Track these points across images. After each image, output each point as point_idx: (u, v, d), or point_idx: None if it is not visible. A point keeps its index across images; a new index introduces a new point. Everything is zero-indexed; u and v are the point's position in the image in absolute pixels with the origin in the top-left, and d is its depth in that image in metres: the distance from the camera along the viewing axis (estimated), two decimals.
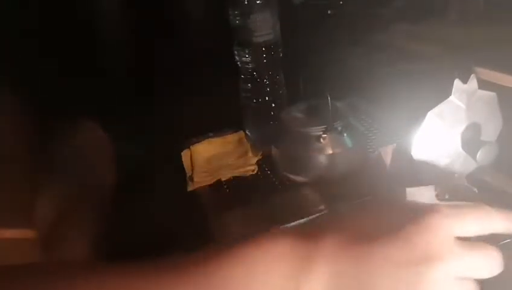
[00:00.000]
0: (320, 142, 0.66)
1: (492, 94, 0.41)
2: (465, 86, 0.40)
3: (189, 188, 0.72)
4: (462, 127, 0.41)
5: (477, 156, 0.39)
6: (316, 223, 0.33)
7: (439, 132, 0.39)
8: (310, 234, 0.31)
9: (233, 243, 0.32)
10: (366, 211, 0.34)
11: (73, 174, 0.65)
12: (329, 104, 0.64)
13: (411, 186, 0.39)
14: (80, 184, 0.65)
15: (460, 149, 0.41)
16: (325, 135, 0.65)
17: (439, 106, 0.39)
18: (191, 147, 0.81)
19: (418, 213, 0.30)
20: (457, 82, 0.39)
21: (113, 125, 0.73)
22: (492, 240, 0.47)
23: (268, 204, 0.65)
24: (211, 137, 0.85)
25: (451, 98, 0.39)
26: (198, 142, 0.82)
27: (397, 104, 0.82)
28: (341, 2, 0.92)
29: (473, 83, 0.40)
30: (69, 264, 0.33)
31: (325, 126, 0.66)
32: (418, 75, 0.75)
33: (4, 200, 0.53)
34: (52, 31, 1.08)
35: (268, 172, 0.74)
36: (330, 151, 0.66)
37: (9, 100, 0.59)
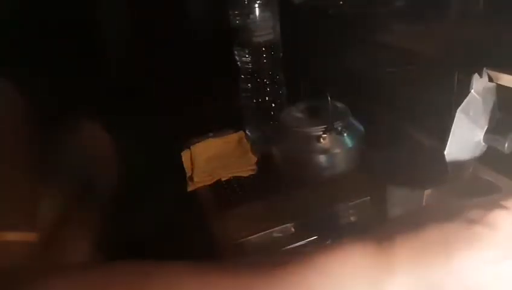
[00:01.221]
0: (320, 142, 0.66)
1: (493, 85, 0.42)
2: (482, 79, 0.40)
3: (189, 188, 0.72)
4: (482, 120, 0.41)
5: (506, 146, 0.40)
6: (383, 231, 0.32)
7: (465, 128, 0.40)
8: (383, 241, 0.30)
9: (306, 253, 0.31)
10: (430, 216, 0.33)
11: (74, 175, 0.65)
12: (329, 104, 0.64)
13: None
14: (80, 184, 0.65)
15: (482, 142, 0.41)
16: (325, 135, 0.65)
17: (464, 102, 0.39)
18: (191, 147, 0.81)
19: (483, 212, 0.30)
20: (476, 77, 0.39)
21: (113, 125, 0.73)
22: None
23: (269, 204, 0.65)
24: (211, 137, 0.85)
25: (472, 92, 0.39)
26: (198, 142, 0.82)
27: (397, 104, 0.82)
28: (341, 2, 0.91)
29: (485, 77, 0.41)
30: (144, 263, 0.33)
31: (325, 126, 0.66)
32: (418, 75, 0.75)
33: (5, 201, 0.53)
34: (53, 31, 1.08)
35: (269, 172, 0.74)
36: (330, 151, 0.66)
37: (9, 101, 0.59)
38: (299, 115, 0.71)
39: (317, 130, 0.66)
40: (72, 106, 0.77)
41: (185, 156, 0.80)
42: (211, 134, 0.87)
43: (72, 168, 0.65)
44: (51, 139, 0.65)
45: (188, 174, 0.76)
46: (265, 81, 0.80)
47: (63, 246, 0.60)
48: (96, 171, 0.69)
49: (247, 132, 0.85)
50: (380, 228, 0.32)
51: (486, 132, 0.42)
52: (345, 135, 0.66)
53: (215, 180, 0.72)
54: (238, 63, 0.80)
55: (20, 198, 0.55)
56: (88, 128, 0.70)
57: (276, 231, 0.60)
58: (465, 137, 0.41)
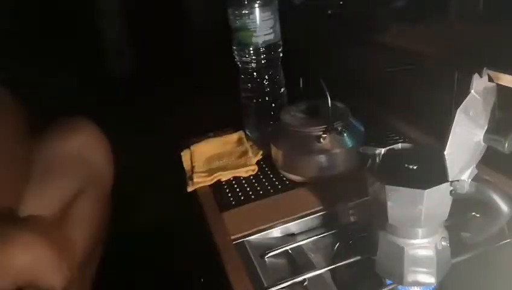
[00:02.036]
0: (320, 142, 0.66)
1: (493, 85, 0.42)
2: (482, 79, 0.40)
3: (189, 188, 0.71)
4: (482, 120, 0.41)
5: (506, 146, 0.40)
6: None
7: (465, 128, 0.40)
8: None
9: None
10: None
11: (73, 174, 0.65)
12: (329, 104, 0.64)
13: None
14: (79, 184, 0.65)
15: (482, 142, 0.41)
16: (325, 135, 0.65)
17: (464, 102, 0.39)
18: (191, 147, 0.81)
19: None
20: (476, 77, 0.39)
21: (113, 125, 0.73)
22: (491, 240, 0.47)
23: (268, 204, 0.65)
24: (211, 137, 0.85)
25: (472, 92, 0.39)
26: (198, 142, 0.82)
27: (397, 104, 0.82)
28: (341, 2, 0.92)
29: (485, 77, 0.40)
30: None
31: (325, 126, 0.66)
32: (418, 75, 0.75)
33: (4, 199, 0.53)
34: (53, 31, 1.08)
35: (269, 172, 0.74)
36: (330, 151, 0.66)
37: (9, 101, 0.59)
38: (299, 115, 0.71)
39: (317, 130, 0.66)
40: (72, 106, 0.77)
41: (185, 156, 0.80)
42: (211, 134, 0.87)
43: (72, 168, 0.65)
44: (52, 139, 0.65)
45: (188, 174, 0.75)
46: (265, 81, 0.80)
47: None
48: (95, 171, 0.69)
49: (247, 132, 0.85)
50: None
51: (486, 132, 0.42)
52: (345, 135, 0.66)
53: (215, 180, 0.72)
54: (238, 63, 0.80)
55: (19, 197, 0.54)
56: (88, 129, 0.70)
57: (276, 231, 0.60)
58: (465, 137, 0.41)
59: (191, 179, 0.73)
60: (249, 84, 0.81)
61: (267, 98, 0.81)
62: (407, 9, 0.77)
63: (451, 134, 0.39)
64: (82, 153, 0.65)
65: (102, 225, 0.66)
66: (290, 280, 0.50)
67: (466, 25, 0.64)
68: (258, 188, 0.69)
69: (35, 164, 0.55)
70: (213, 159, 0.79)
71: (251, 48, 0.77)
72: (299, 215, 0.61)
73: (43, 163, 0.60)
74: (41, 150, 0.62)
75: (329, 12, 0.93)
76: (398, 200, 0.42)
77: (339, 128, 0.66)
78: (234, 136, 0.84)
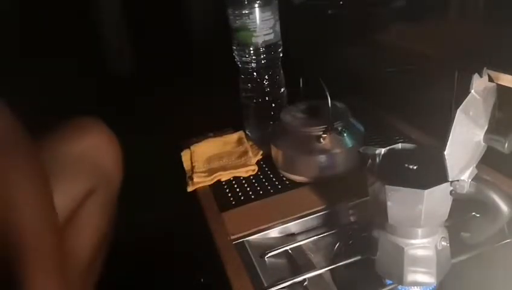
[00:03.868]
0: (320, 142, 0.66)
1: (493, 85, 0.42)
2: (482, 79, 0.40)
3: (189, 188, 0.72)
4: (482, 120, 0.41)
5: (506, 146, 0.40)
6: None
7: (465, 128, 0.40)
8: None
9: None
10: None
11: (83, 175, 0.64)
12: (329, 104, 0.64)
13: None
14: (89, 185, 0.64)
15: (482, 142, 0.41)
16: (325, 135, 0.65)
17: (464, 102, 0.39)
18: (191, 147, 0.81)
19: None
20: (476, 77, 0.39)
21: (113, 125, 0.73)
22: (491, 240, 0.47)
23: (268, 204, 0.65)
24: (211, 137, 0.85)
25: (472, 92, 0.39)
26: (198, 142, 0.82)
27: (397, 104, 0.82)
28: (341, 2, 0.92)
29: (485, 77, 0.40)
30: None
31: (325, 126, 0.66)
32: (418, 75, 0.76)
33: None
34: (54, 31, 1.08)
35: (268, 172, 0.74)
36: (330, 151, 0.66)
37: (15, 102, 0.59)
38: (299, 115, 0.71)
39: (317, 130, 0.66)
40: (72, 107, 0.77)
41: (185, 156, 0.80)
42: (211, 134, 0.87)
43: (79, 169, 0.64)
44: (58, 139, 0.64)
45: (188, 174, 0.75)
46: (265, 81, 0.80)
47: (70, 244, 0.60)
48: (104, 172, 0.68)
49: (247, 132, 0.85)
50: None
51: (486, 132, 0.42)
52: (345, 135, 0.66)
53: (215, 180, 0.72)
54: (238, 63, 0.80)
55: None
56: (96, 129, 0.69)
57: (276, 231, 0.60)
58: (465, 137, 0.41)
59: (191, 179, 0.73)
60: (249, 84, 0.81)
61: (267, 98, 0.81)
62: (407, 9, 0.77)
63: (451, 134, 0.39)
64: (92, 154, 0.65)
65: (108, 229, 0.66)
66: (290, 280, 0.50)
67: (466, 25, 0.65)
68: (258, 188, 0.69)
69: (45, 164, 0.54)
70: (213, 159, 0.79)
71: (251, 48, 0.77)
72: (299, 215, 0.61)
73: (54, 163, 0.60)
74: (51, 150, 0.61)
75: (329, 12, 0.93)
76: (398, 200, 0.42)
77: (339, 128, 0.66)
78: (234, 136, 0.84)
